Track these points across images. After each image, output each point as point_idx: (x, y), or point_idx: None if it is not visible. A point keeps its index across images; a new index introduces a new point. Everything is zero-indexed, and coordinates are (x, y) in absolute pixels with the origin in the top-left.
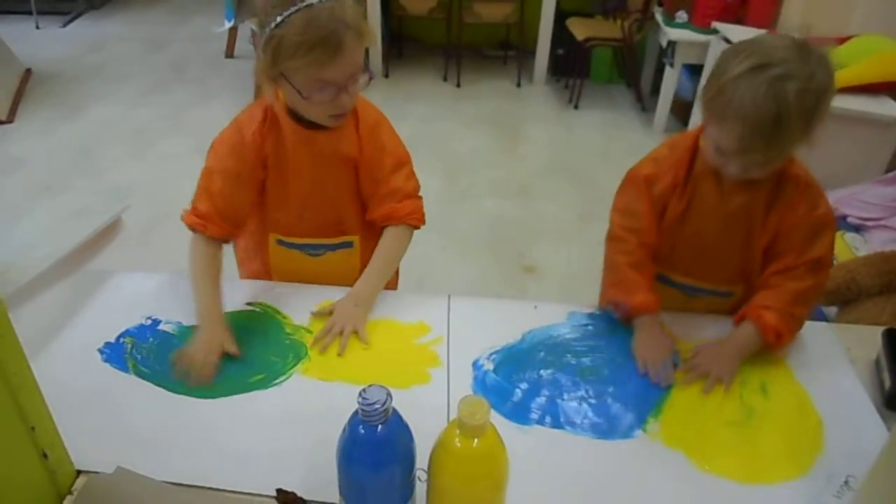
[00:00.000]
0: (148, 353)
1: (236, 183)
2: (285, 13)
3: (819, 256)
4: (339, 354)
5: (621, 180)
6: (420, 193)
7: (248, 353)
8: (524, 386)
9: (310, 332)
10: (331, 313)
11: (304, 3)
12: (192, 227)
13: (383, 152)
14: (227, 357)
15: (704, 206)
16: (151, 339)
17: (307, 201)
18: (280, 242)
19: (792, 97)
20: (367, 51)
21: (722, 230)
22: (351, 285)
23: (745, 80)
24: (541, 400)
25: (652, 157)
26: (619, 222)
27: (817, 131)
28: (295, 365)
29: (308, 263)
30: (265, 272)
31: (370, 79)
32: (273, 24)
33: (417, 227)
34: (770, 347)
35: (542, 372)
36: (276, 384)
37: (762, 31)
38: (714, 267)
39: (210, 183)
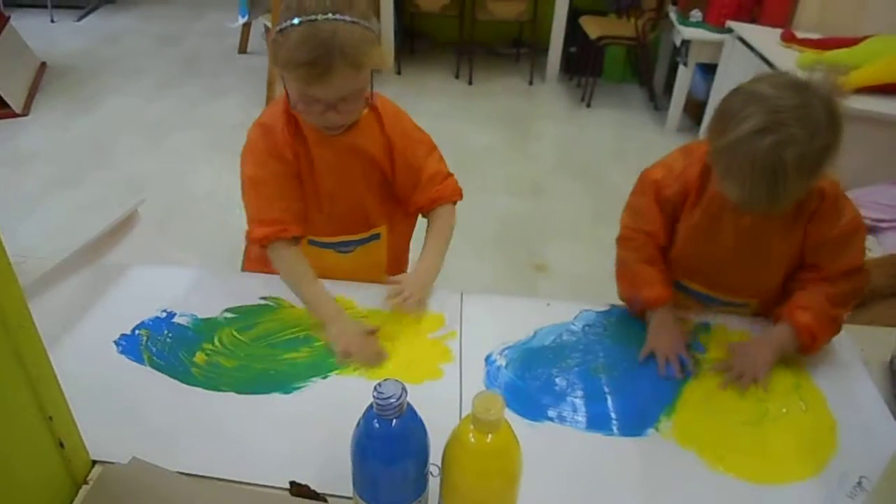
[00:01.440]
0: (163, 346)
1: (287, 182)
2: (289, 21)
3: (852, 265)
4: (410, 312)
5: (636, 181)
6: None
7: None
8: (536, 382)
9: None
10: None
11: (308, 17)
12: (268, 239)
13: (413, 141)
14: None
15: (721, 219)
16: (167, 332)
17: (334, 199)
18: (312, 243)
19: (790, 163)
20: (371, 74)
21: (738, 243)
22: (377, 278)
23: (745, 143)
24: (553, 397)
25: (665, 161)
26: (628, 223)
27: (819, 180)
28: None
29: (337, 260)
30: None
31: (367, 103)
32: (278, 29)
33: (457, 202)
34: (805, 349)
35: (554, 369)
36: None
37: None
38: (729, 279)
39: (262, 189)
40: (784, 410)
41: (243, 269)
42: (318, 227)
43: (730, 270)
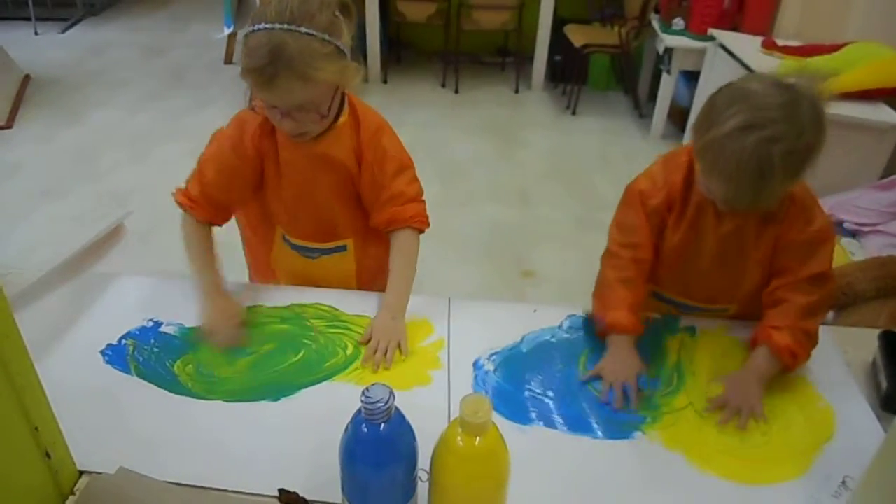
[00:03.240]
0: (149, 355)
1: (230, 176)
2: (251, 28)
3: (819, 272)
4: (386, 369)
5: (622, 195)
6: (423, 198)
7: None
8: (524, 386)
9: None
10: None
11: (266, 25)
12: (182, 205)
13: (385, 157)
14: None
15: (702, 228)
16: (153, 341)
17: (300, 204)
18: (284, 240)
19: (777, 160)
20: (337, 88)
21: (717, 251)
22: (347, 287)
23: (732, 139)
24: (541, 400)
25: (648, 172)
26: (615, 238)
27: (803, 179)
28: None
29: (306, 264)
30: (267, 269)
31: (324, 119)
32: (244, 34)
33: (422, 231)
34: (788, 369)
35: (541, 373)
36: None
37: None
38: (710, 286)
39: (205, 170)
40: (773, 409)
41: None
42: (286, 227)
43: (710, 278)
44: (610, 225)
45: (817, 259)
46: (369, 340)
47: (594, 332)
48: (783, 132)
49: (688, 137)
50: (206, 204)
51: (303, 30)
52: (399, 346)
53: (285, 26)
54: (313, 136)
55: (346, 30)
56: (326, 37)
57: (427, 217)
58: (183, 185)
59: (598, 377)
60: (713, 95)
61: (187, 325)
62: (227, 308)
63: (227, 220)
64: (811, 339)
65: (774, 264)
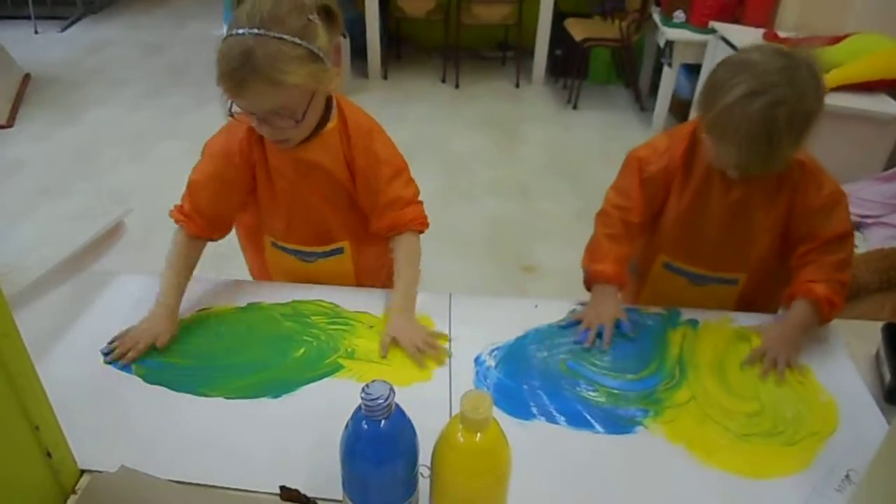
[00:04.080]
0: (150, 354)
1: (222, 187)
2: (226, 34)
3: (840, 232)
4: (439, 364)
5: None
6: (420, 198)
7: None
8: (525, 382)
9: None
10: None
11: (237, 31)
12: (176, 221)
13: (378, 162)
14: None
15: (709, 196)
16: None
17: (293, 210)
18: (274, 245)
19: (783, 122)
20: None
21: (726, 218)
22: (348, 285)
23: (738, 106)
24: (542, 395)
25: (651, 141)
26: (610, 198)
27: (807, 142)
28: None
29: (302, 267)
30: (264, 273)
31: (299, 124)
32: (221, 40)
33: (422, 232)
34: (826, 319)
35: (543, 368)
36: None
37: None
38: (719, 254)
39: (197, 184)
40: (775, 402)
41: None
42: (279, 232)
43: (719, 246)
44: (608, 188)
45: (836, 220)
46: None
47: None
48: (785, 96)
49: (694, 107)
50: (198, 218)
51: (272, 34)
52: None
53: (255, 31)
54: (295, 142)
55: (324, 34)
56: (297, 40)
57: (426, 217)
58: (179, 200)
59: (577, 322)
60: (714, 69)
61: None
62: (148, 329)
63: (225, 233)
64: (846, 290)
65: (795, 232)
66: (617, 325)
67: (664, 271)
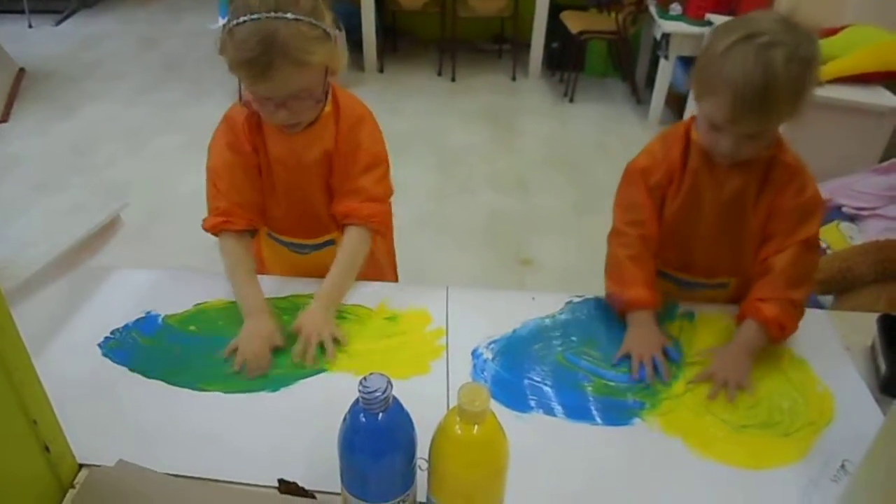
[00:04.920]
0: (148, 348)
1: (242, 175)
2: (234, 21)
3: (807, 237)
4: (327, 362)
5: (622, 175)
6: (390, 200)
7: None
8: (523, 374)
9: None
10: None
11: (252, 16)
12: (216, 228)
13: (359, 149)
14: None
15: (700, 199)
16: (152, 334)
17: (290, 199)
18: (270, 235)
19: (780, 63)
20: (326, 72)
21: (716, 221)
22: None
23: (733, 50)
24: (539, 388)
25: (647, 149)
26: (620, 217)
27: (805, 104)
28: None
29: (297, 259)
30: (259, 264)
31: (318, 104)
32: (227, 29)
33: (378, 233)
34: (775, 340)
35: (540, 360)
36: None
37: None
38: (707, 260)
39: (218, 181)
40: (770, 393)
41: None
42: (276, 223)
43: (710, 247)
44: (613, 205)
45: (806, 226)
46: (299, 332)
47: (595, 317)
48: (782, 39)
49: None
50: (239, 211)
51: (289, 15)
52: (336, 339)
53: (272, 14)
54: (304, 125)
55: (328, 13)
56: (313, 20)
57: (386, 220)
58: (206, 216)
59: (626, 356)
60: (709, 32)
61: (184, 315)
62: (260, 330)
63: (262, 221)
64: (798, 310)
65: (766, 230)
66: (665, 352)
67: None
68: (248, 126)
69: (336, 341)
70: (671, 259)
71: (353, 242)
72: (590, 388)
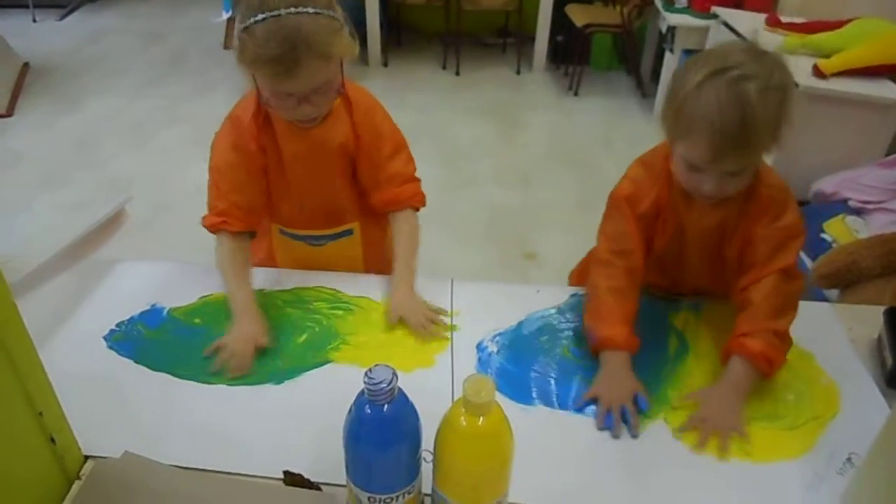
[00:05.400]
0: (153, 340)
1: (245, 176)
2: (251, 18)
3: (783, 266)
4: (444, 335)
5: (606, 203)
6: (418, 175)
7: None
8: (527, 367)
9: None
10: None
11: (272, 13)
12: (214, 227)
13: (381, 137)
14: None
15: (685, 228)
16: (157, 326)
17: (305, 192)
18: (282, 232)
19: (754, 96)
20: (342, 63)
21: (700, 252)
22: (355, 271)
23: (704, 88)
24: (544, 381)
25: (629, 176)
26: (605, 246)
27: (784, 131)
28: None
29: (311, 253)
30: (270, 260)
31: (338, 94)
32: (243, 26)
33: (419, 209)
34: (765, 376)
35: (545, 353)
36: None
37: (761, 15)
38: (696, 285)
39: (219, 180)
40: (775, 386)
41: None
42: (289, 218)
43: (697, 277)
44: (598, 234)
45: (783, 254)
46: (401, 321)
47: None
48: (753, 71)
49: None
50: (237, 212)
51: (310, 10)
52: (439, 310)
53: (292, 10)
54: (321, 118)
55: (337, 4)
56: (331, 13)
57: (423, 195)
58: (206, 212)
59: (594, 400)
60: (674, 73)
61: (188, 308)
62: (248, 331)
63: (262, 222)
64: (784, 341)
65: (743, 259)
66: (634, 400)
67: (642, 295)
68: (255, 125)
69: (440, 311)
70: (661, 284)
71: (408, 225)
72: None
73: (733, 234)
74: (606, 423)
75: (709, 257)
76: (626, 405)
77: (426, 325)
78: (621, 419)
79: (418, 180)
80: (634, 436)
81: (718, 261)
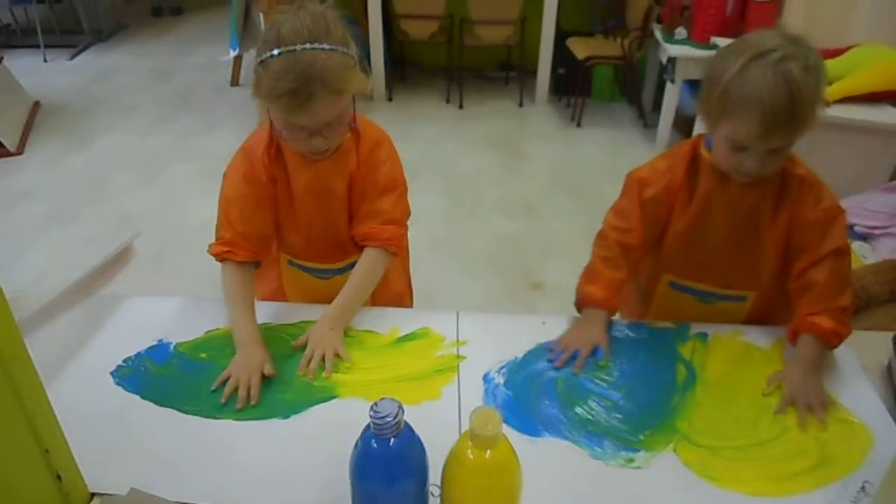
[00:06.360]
0: (160, 375)
1: (254, 206)
2: (268, 53)
3: (837, 247)
4: (325, 377)
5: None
6: (407, 223)
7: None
8: (535, 398)
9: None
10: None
11: (288, 48)
12: (220, 257)
13: (377, 172)
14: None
15: (710, 216)
16: (164, 362)
17: (312, 223)
18: (291, 263)
19: (798, 74)
20: (353, 98)
21: (731, 234)
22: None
23: (750, 69)
24: (552, 412)
25: (651, 162)
26: (608, 220)
27: (819, 111)
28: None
29: (320, 285)
30: (280, 292)
31: (350, 128)
32: (259, 60)
33: (395, 255)
34: (832, 348)
35: (552, 384)
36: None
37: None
38: (726, 271)
39: (229, 210)
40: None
41: None
42: (297, 249)
43: (725, 262)
44: (609, 208)
45: (833, 235)
46: (304, 347)
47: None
48: (793, 52)
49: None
50: (243, 243)
51: (326, 46)
52: (338, 354)
53: (307, 46)
54: (332, 151)
55: (352, 40)
56: (345, 49)
57: (403, 243)
58: (213, 240)
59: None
60: (710, 63)
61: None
62: (254, 360)
63: (268, 253)
64: (848, 315)
65: (792, 246)
66: (593, 351)
67: (670, 290)
68: (267, 157)
69: (338, 357)
70: (686, 271)
71: (369, 262)
72: (601, 412)
73: (774, 219)
74: (554, 358)
75: (738, 241)
76: (581, 351)
77: (313, 360)
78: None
79: (404, 226)
80: (574, 374)
81: (750, 248)
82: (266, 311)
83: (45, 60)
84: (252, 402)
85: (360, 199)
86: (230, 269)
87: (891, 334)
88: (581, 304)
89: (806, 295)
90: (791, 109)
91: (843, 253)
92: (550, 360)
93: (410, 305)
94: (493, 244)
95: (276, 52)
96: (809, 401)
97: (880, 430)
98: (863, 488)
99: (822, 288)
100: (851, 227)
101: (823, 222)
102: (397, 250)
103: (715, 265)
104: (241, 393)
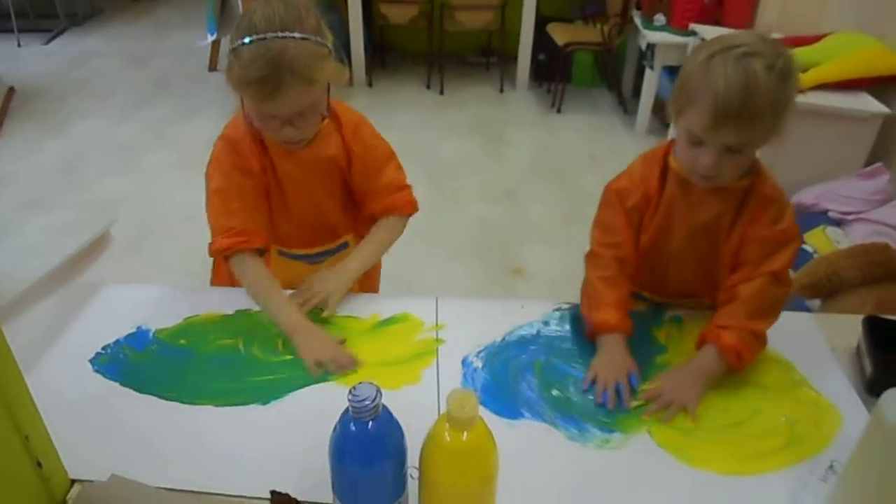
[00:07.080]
0: (139, 362)
1: (252, 195)
2: (239, 41)
3: (776, 269)
4: (302, 310)
5: (601, 196)
6: (408, 182)
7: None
8: (513, 382)
9: None
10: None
11: (258, 36)
12: (232, 249)
13: (372, 148)
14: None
15: (674, 222)
16: (143, 349)
17: (303, 211)
18: (281, 254)
19: (759, 70)
20: (328, 87)
21: (687, 246)
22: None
23: (712, 61)
24: (529, 395)
25: (627, 170)
26: (597, 238)
27: (785, 122)
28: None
29: (306, 271)
30: None
31: (324, 119)
32: (231, 48)
33: (411, 215)
34: (733, 370)
35: (529, 367)
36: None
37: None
38: (680, 283)
39: (228, 202)
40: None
41: (212, 284)
42: (288, 238)
43: (682, 273)
44: (591, 225)
45: (778, 257)
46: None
47: (584, 324)
48: (760, 49)
49: (673, 132)
50: (254, 229)
51: (297, 35)
52: (328, 300)
53: (279, 34)
54: (307, 140)
55: (328, 30)
56: (318, 38)
57: (415, 202)
58: (210, 241)
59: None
60: (687, 57)
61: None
62: (325, 337)
63: (272, 242)
64: (759, 341)
65: (737, 258)
66: (630, 378)
67: (629, 299)
68: (253, 147)
69: (329, 301)
70: (645, 281)
71: (391, 226)
72: (578, 395)
73: (731, 232)
74: (604, 399)
75: (698, 256)
76: (622, 381)
77: (312, 296)
78: (616, 395)
79: (409, 187)
80: (626, 409)
81: (709, 261)
82: (244, 299)
83: (20, 45)
84: (354, 369)
85: (363, 178)
86: (249, 259)
87: (860, 317)
88: (595, 333)
89: (727, 306)
90: (743, 103)
91: (781, 280)
92: (600, 405)
93: (377, 289)
94: (473, 230)
95: (247, 40)
96: (673, 398)
97: (848, 411)
98: (831, 467)
99: (743, 304)
100: (826, 212)
101: (773, 243)
102: (414, 210)
103: (674, 276)
104: (342, 363)
